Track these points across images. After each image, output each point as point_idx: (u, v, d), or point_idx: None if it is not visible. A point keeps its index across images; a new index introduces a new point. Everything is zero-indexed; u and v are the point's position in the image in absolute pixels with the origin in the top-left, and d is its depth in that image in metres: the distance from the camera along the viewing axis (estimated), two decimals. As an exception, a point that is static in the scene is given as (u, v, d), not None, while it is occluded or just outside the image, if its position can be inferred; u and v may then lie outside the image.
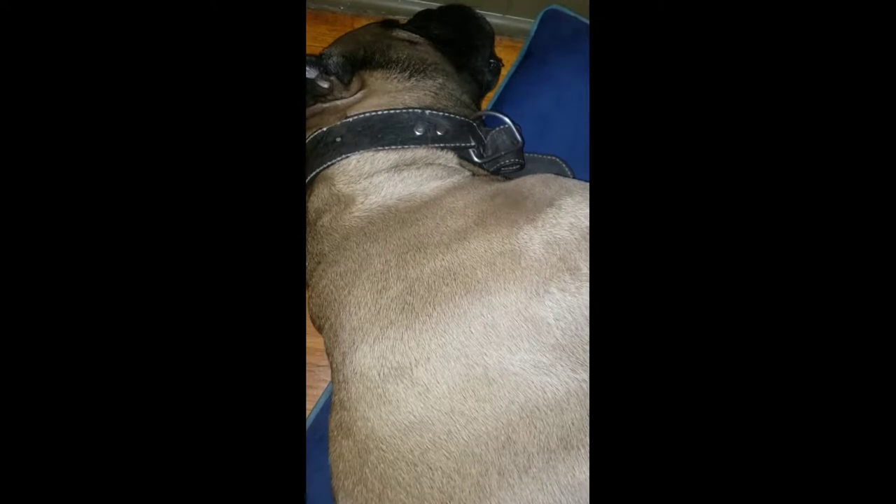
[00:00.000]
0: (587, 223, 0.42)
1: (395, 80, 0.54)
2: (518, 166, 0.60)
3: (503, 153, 0.57)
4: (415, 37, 0.59)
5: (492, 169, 0.58)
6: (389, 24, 0.61)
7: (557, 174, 0.64)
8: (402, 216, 0.45)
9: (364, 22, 0.82)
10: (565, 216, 0.42)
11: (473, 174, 0.52)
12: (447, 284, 0.40)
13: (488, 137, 0.57)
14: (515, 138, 0.58)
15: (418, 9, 0.80)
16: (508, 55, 0.80)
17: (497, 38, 0.81)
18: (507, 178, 0.60)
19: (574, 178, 0.64)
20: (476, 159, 0.55)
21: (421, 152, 0.51)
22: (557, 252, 0.40)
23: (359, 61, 0.55)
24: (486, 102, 0.73)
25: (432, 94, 0.55)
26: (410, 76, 0.54)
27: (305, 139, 0.52)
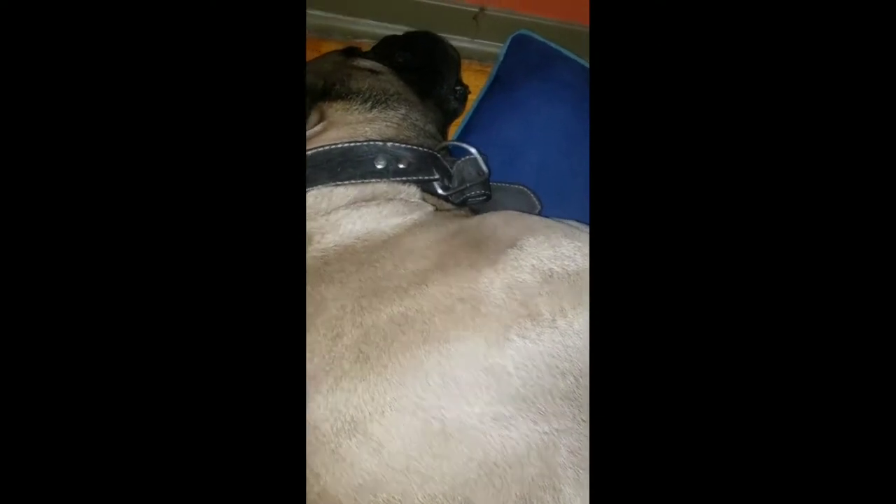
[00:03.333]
0: (549, 264, 0.41)
1: (356, 112, 0.52)
2: (485, 197, 0.58)
3: (469, 185, 0.56)
4: (377, 65, 0.58)
5: (458, 200, 0.56)
6: (351, 53, 0.59)
7: (524, 207, 0.63)
8: (359, 257, 0.43)
9: (331, 45, 0.81)
10: (527, 258, 0.41)
11: (437, 208, 0.51)
12: (404, 333, 0.38)
13: (454, 168, 0.56)
14: (482, 169, 0.57)
15: (385, 31, 0.79)
16: (476, 80, 0.80)
17: (465, 62, 0.80)
18: (473, 210, 0.59)
19: (541, 206, 0.63)
20: (440, 192, 0.54)
21: (381, 187, 0.49)
22: (518, 297, 0.39)
23: (318, 93, 0.53)
24: (454, 129, 0.72)
25: (394, 125, 0.53)
26: (372, 107, 0.53)
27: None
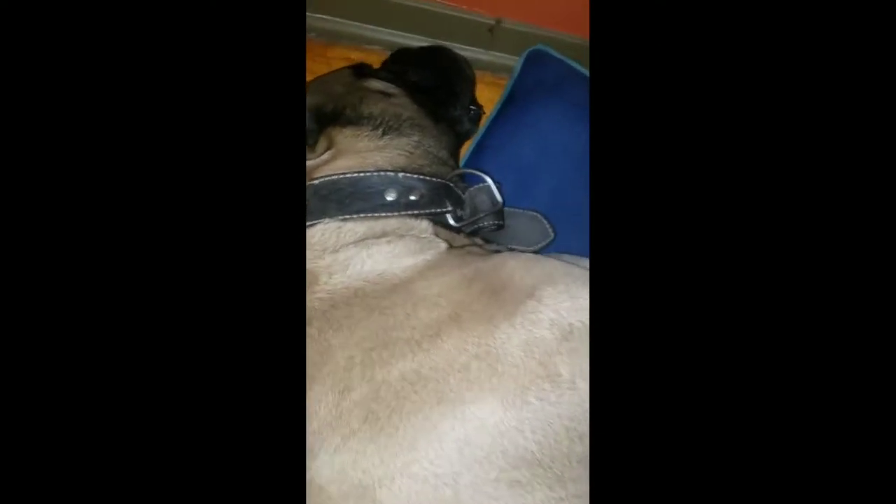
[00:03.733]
0: (568, 318, 0.39)
1: (367, 139, 0.50)
2: (497, 227, 0.56)
3: (482, 215, 0.54)
4: (390, 87, 0.55)
5: (469, 230, 0.54)
6: (362, 71, 0.56)
7: (537, 235, 0.61)
8: (369, 302, 0.41)
9: (338, 51, 0.77)
10: (545, 311, 0.39)
11: (449, 244, 0.48)
12: (416, 392, 0.36)
13: (466, 195, 0.54)
14: (495, 199, 0.54)
15: (396, 39, 0.76)
16: (490, 92, 0.77)
17: (479, 73, 0.77)
18: (486, 240, 0.57)
19: (555, 234, 0.61)
20: (453, 223, 0.52)
21: (392, 223, 0.47)
22: (536, 355, 0.37)
23: (327, 117, 0.50)
24: (466, 147, 0.69)
25: (406, 153, 0.51)
26: (383, 134, 0.50)
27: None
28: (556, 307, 0.39)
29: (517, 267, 0.43)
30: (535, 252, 0.61)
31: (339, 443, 0.37)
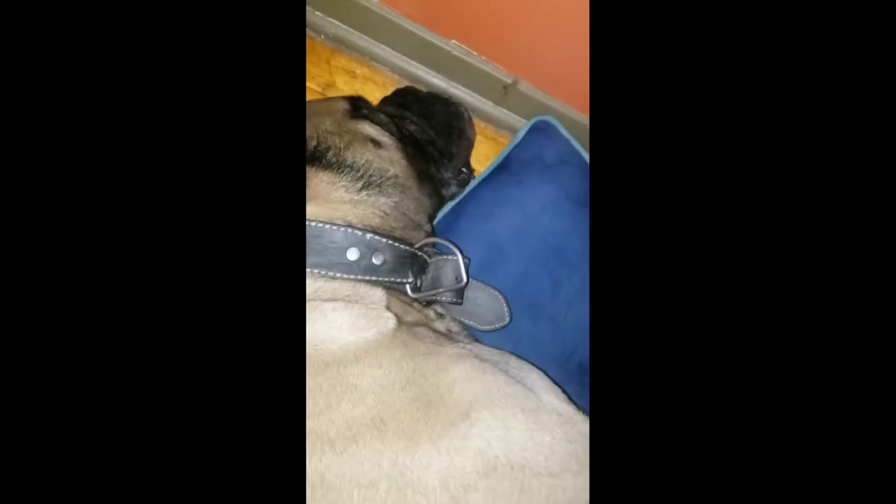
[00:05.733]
0: (496, 450, 0.37)
1: (343, 189, 0.46)
2: (454, 303, 0.54)
3: (443, 289, 0.51)
4: (383, 135, 0.51)
5: (425, 301, 0.52)
6: (358, 109, 0.52)
7: (492, 315, 0.59)
8: (294, 378, 0.38)
9: (342, 61, 0.73)
10: (474, 439, 0.37)
11: (399, 319, 0.46)
12: (315, 501, 0.34)
13: (431, 263, 0.51)
14: (460, 275, 0.52)
15: (406, 66, 0.72)
16: (487, 148, 0.74)
17: (482, 124, 0.75)
18: (438, 313, 0.54)
19: (510, 320, 0.59)
20: (410, 293, 0.49)
21: (345, 288, 0.44)
22: (451, 488, 0.35)
23: (308, 155, 0.47)
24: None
25: (382, 213, 0.48)
26: (363, 188, 0.47)
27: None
28: (487, 436, 0.37)
29: (459, 378, 0.40)
30: (490, 331, 0.59)
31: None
